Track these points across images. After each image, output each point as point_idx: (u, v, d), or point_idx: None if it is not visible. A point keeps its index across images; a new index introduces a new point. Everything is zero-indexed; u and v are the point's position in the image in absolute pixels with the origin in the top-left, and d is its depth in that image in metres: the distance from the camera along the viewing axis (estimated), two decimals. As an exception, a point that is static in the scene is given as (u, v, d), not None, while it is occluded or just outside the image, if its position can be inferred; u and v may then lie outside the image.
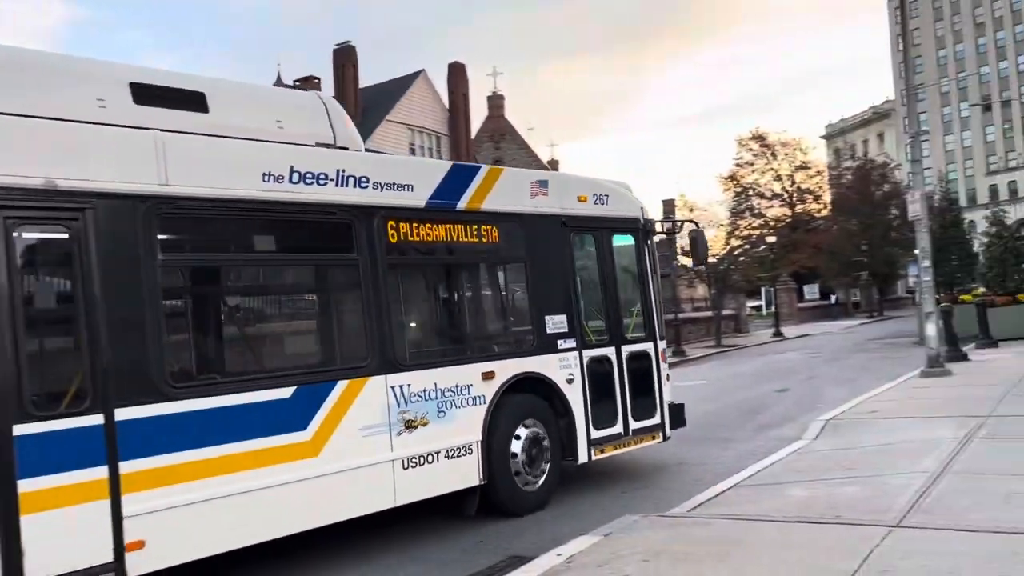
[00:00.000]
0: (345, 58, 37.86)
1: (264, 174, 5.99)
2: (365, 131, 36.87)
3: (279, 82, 37.78)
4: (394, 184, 6.80)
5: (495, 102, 60.56)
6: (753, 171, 57.80)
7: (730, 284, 35.11)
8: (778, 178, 57.24)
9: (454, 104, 40.82)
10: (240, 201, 5.89)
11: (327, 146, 6.85)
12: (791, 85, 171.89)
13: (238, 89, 6.99)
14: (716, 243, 36.28)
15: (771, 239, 42.60)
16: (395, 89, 39.09)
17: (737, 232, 43.36)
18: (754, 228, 46.25)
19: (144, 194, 5.38)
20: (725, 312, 35.69)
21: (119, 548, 4.98)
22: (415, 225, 6.94)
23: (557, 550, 5.74)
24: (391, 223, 6.73)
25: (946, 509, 5.81)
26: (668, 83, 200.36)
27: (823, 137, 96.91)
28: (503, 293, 8.32)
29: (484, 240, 7.53)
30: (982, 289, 24.57)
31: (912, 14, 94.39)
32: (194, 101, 6.18)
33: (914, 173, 15.51)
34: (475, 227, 7.41)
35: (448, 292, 8.02)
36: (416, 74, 39.70)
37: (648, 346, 8.73)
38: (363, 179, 6.59)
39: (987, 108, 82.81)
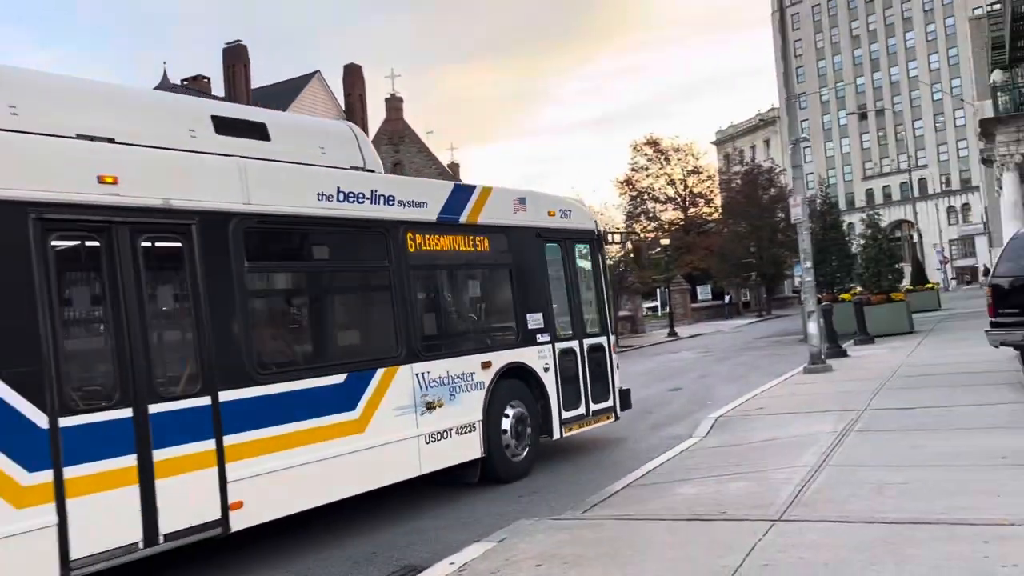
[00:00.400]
0: (235, 57, 36.76)
1: (318, 194, 7.15)
2: (258, 133, 35.94)
3: (165, 81, 36.31)
4: (413, 202, 8.05)
5: (393, 104, 59.90)
6: (648, 176, 59.39)
7: (626, 286, 35.85)
8: (671, 182, 58.95)
9: (350, 106, 40.25)
10: (301, 217, 7.06)
11: (360, 169, 8.16)
12: (684, 92, 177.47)
13: (290, 120, 8.49)
14: (611, 248, 37.00)
15: (665, 241, 43.79)
16: (289, 90, 38.23)
17: (632, 235, 44.38)
18: (649, 231, 47.44)
19: (232, 211, 6.45)
20: (621, 313, 36.41)
21: (224, 507, 6.01)
22: (428, 236, 8.20)
23: (451, 558, 5.67)
24: (410, 234, 7.95)
25: (825, 501, 6.04)
26: (565, 90, 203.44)
27: (714, 143, 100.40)
28: (494, 294, 9.55)
29: (479, 249, 8.88)
30: (859, 288, 25.88)
31: (795, 26, 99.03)
32: (259, 131, 7.36)
33: (795, 178, 16.17)
34: (472, 238, 8.77)
35: (453, 293, 9.19)
36: (311, 75, 38.94)
37: (603, 339, 10.28)
38: (391, 198, 7.82)
39: (863, 117, 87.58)
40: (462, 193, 8.75)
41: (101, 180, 5.71)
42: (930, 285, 34.96)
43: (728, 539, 5.36)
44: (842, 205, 74.19)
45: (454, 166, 65.62)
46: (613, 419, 10.31)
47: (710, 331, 38.25)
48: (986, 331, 10.87)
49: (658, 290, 50.50)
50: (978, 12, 55.83)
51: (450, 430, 7.97)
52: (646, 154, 59.02)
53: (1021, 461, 6.61)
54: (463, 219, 8.58)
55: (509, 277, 9.19)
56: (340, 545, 6.84)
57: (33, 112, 5.81)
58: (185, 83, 38.04)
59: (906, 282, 32.96)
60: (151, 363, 5.79)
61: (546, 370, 9.22)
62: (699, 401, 13.48)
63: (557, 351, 9.39)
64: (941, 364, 13.92)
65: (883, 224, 29.25)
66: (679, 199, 58.03)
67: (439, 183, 9.27)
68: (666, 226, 52.93)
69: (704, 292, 56.75)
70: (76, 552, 5.19)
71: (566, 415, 9.43)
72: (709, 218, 57.63)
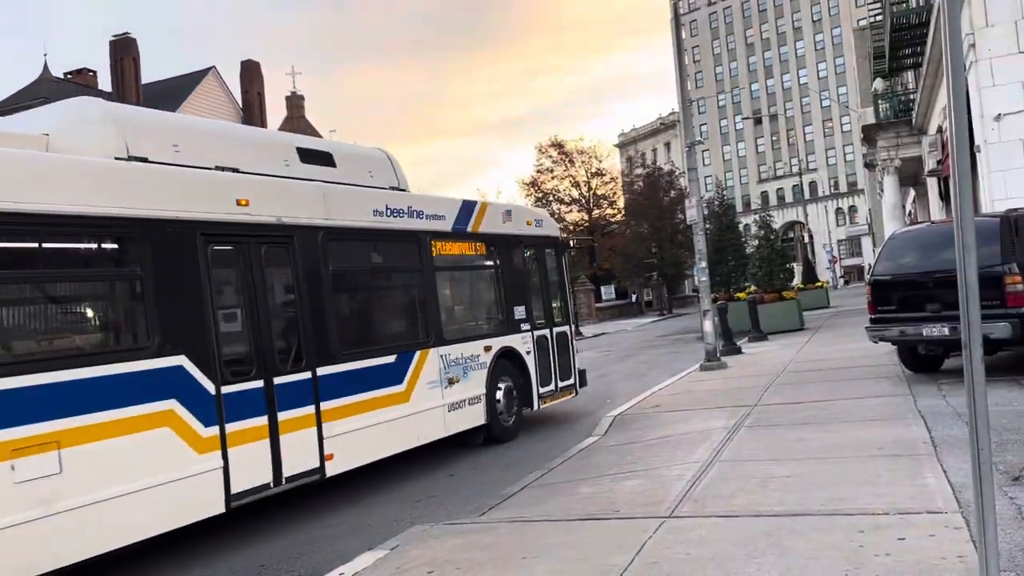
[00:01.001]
0: (124, 50, 35.16)
1: (373, 210, 9.01)
2: (149, 130, 34.44)
3: (46, 73, 34.38)
4: (435, 215, 9.96)
5: (294, 102, 58.54)
6: (553, 177, 59.94)
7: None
8: (576, 184, 59.67)
9: (248, 103, 39.07)
10: (363, 229, 8.86)
11: (396, 189, 9.99)
12: (588, 96, 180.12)
13: (346, 149, 10.05)
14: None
15: (571, 243, 44.26)
16: (182, 86, 36.82)
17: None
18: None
19: (319, 225, 8.15)
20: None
21: (322, 458, 7.68)
22: (445, 243, 10.17)
23: (341, 568, 5.54)
24: (434, 242, 9.87)
25: (713, 497, 6.17)
26: (470, 92, 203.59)
27: (617, 145, 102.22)
28: (489, 290, 11.27)
29: (479, 253, 10.93)
30: (754, 288, 26.80)
31: (693, 32, 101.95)
32: (328, 159, 9.07)
33: (691, 180, 16.58)
34: (474, 244, 10.84)
35: (462, 289, 11.18)
36: (206, 71, 37.60)
37: (566, 328, 12.30)
38: (421, 212, 9.69)
39: (757, 122, 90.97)
40: (468, 207, 10.70)
41: (239, 203, 7.39)
42: (820, 284, 36.57)
43: (620, 538, 5.40)
44: (739, 207, 76.63)
45: (358, 166, 64.63)
46: (574, 395, 12.34)
47: (613, 330, 38.91)
48: (866, 327, 11.37)
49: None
50: (862, 23, 58.76)
51: (464, 401, 9.87)
52: (551, 156, 59.66)
53: (895, 452, 6.92)
54: (468, 229, 10.56)
55: (499, 276, 11.07)
56: (225, 559, 6.59)
57: (189, 149, 7.40)
58: (69, 76, 36.17)
59: (797, 281, 34.33)
60: (274, 345, 7.49)
61: (528, 353, 11.18)
62: (600, 399, 13.64)
63: (535, 337, 11.39)
64: (828, 360, 14.53)
65: (777, 225, 30.41)
66: (583, 201, 58.85)
67: (452, 199, 10.85)
68: (571, 227, 53.55)
69: (608, 292, 57.73)
70: (234, 488, 6.77)
71: (542, 390, 11.43)
72: (612, 219, 58.64)
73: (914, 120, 27.25)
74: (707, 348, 15.59)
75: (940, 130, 21.41)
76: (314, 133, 59.60)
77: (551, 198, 58.27)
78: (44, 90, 33.49)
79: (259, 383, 7.18)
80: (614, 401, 12.91)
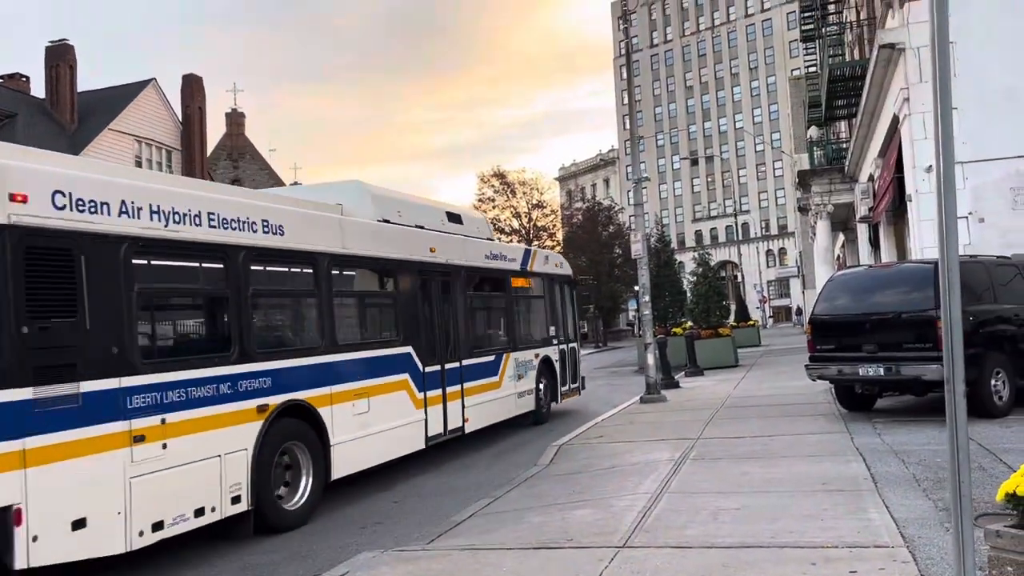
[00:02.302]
0: (59, 57, 34.12)
1: (485, 255, 12.99)
2: (84, 139, 33.40)
3: (-24, 76, 33.14)
4: (511, 258, 14.09)
5: (235, 119, 57.72)
6: (494, 207, 60.23)
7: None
8: (517, 215, 60.03)
9: (188, 118, 38.23)
10: (481, 268, 12.78)
11: (488, 239, 14.03)
12: (525, 128, 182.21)
13: (467, 211, 14.30)
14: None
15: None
16: (120, 96, 35.84)
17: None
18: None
19: (463, 265, 12.08)
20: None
21: (463, 421, 11.50)
22: (516, 278, 14.12)
23: (288, 595, 5.36)
24: (512, 278, 13.94)
25: (666, 527, 6.21)
26: (413, 118, 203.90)
27: (557, 179, 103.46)
28: (535, 313, 15.03)
29: (532, 286, 14.88)
30: (690, 323, 27.28)
31: (635, 72, 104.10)
32: (459, 220, 12.84)
33: (636, 216, 16.85)
34: (531, 279, 14.79)
35: (523, 312, 14.61)
36: (145, 82, 36.70)
37: (575, 344, 16.49)
38: (505, 256, 13.81)
39: (694, 162, 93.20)
40: (527, 252, 15.01)
41: (430, 250, 11.21)
42: (751, 322, 37.44)
43: (575, 567, 5.38)
44: (674, 244, 78.26)
45: (297, 185, 63.74)
46: (579, 395, 16.62)
47: (550, 361, 38.91)
48: (806, 365, 11.68)
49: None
50: (797, 73, 60.99)
51: (524, 392, 13.81)
52: (493, 186, 60.02)
53: (838, 487, 7.09)
54: (528, 268, 14.57)
55: (541, 303, 15.12)
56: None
57: (405, 214, 11.16)
58: (0, 80, 34.92)
59: (731, 319, 35.09)
60: (447, 343, 11.40)
61: (557, 361, 15.25)
62: (541, 429, 13.63)
63: (561, 349, 15.45)
64: (764, 396, 14.85)
65: (712, 263, 31.02)
66: (524, 231, 59.24)
67: (519, 246, 16.37)
68: (510, 257, 53.80)
69: (545, 323, 57.86)
70: (429, 433, 10.60)
71: (563, 388, 15.50)
72: (552, 251, 59.16)
73: (847, 168, 28.31)
74: (648, 381, 15.76)
75: (872, 178, 22.29)
76: (253, 151, 58.69)
77: (492, 227, 58.49)
78: (-28, 92, 32.33)
79: (437, 368, 11.00)
80: (556, 431, 12.92)
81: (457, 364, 11.46)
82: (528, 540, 6.26)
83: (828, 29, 27.62)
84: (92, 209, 6.23)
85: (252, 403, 7.49)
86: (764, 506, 6.65)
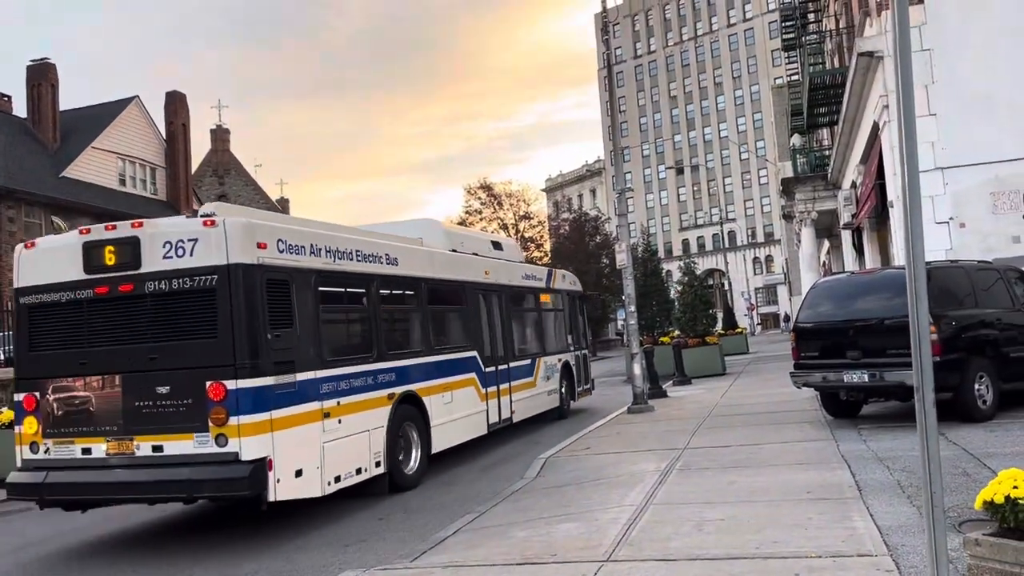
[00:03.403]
0: (41, 76, 34.01)
1: (521, 275, 15.47)
2: (67, 158, 33.22)
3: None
4: (538, 277, 16.42)
5: (220, 136, 57.63)
6: (481, 219, 60.24)
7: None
8: (504, 227, 60.08)
9: (172, 135, 38.12)
10: (518, 286, 15.13)
11: (521, 263, 16.59)
12: (512, 140, 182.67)
13: (505, 239, 17.74)
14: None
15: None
16: (103, 114, 35.71)
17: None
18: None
19: (506, 284, 14.47)
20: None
21: (511, 414, 13.87)
22: (542, 295, 16.41)
23: (269, 617, 5.29)
24: (540, 294, 16.28)
25: (650, 540, 6.17)
26: (398, 133, 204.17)
27: (544, 190, 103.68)
28: (557, 324, 17.22)
29: (553, 301, 17.06)
30: (677, 332, 27.30)
31: (620, 83, 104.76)
32: (500, 247, 15.42)
33: (620, 226, 16.87)
34: (553, 295, 17.01)
35: (548, 323, 16.80)
36: (128, 100, 36.60)
37: (586, 351, 18.96)
38: (534, 275, 16.20)
39: (680, 171, 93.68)
40: (549, 272, 17.29)
41: (485, 273, 13.69)
42: (739, 330, 37.52)
43: (558, 582, 5.33)
44: (661, 254, 78.47)
45: (283, 201, 63.63)
46: (590, 394, 18.99)
47: (539, 372, 38.83)
48: (791, 373, 11.68)
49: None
50: (779, 82, 61.33)
51: (551, 391, 16.10)
52: (480, 198, 60.06)
53: (823, 496, 7.07)
54: (551, 286, 16.98)
55: (561, 316, 17.37)
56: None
57: (464, 244, 13.75)
58: (-19, 99, 34.76)
59: (718, 327, 35.14)
60: (497, 348, 13.65)
61: (574, 365, 17.49)
62: (529, 441, 13.59)
63: (576, 355, 17.81)
64: (751, 404, 14.85)
65: (698, 272, 31.07)
66: (511, 243, 59.24)
67: (543, 268, 18.27)
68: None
69: (533, 334, 57.79)
70: (489, 422, 12.93)
71: (578, 389, 17.81)
72: (539, 263, 59.17)
73: (830, 175, 28.49)
74: (635, 391, 15.73)
75: (854, 185, 22.42)
76: (238, 167, 58.56)
77: (479, 240, 58.46)
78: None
79: (493, 368, 13.32)
80: (544, 443, 12.87)
81: (505, 366, 13.81)
82: (512, 556, 6.20)
83: (808, 38, 27.84)
84: (297, 251, 8.56)
85: (385, 392, 9.92)
86: (749, 516, 6.62)
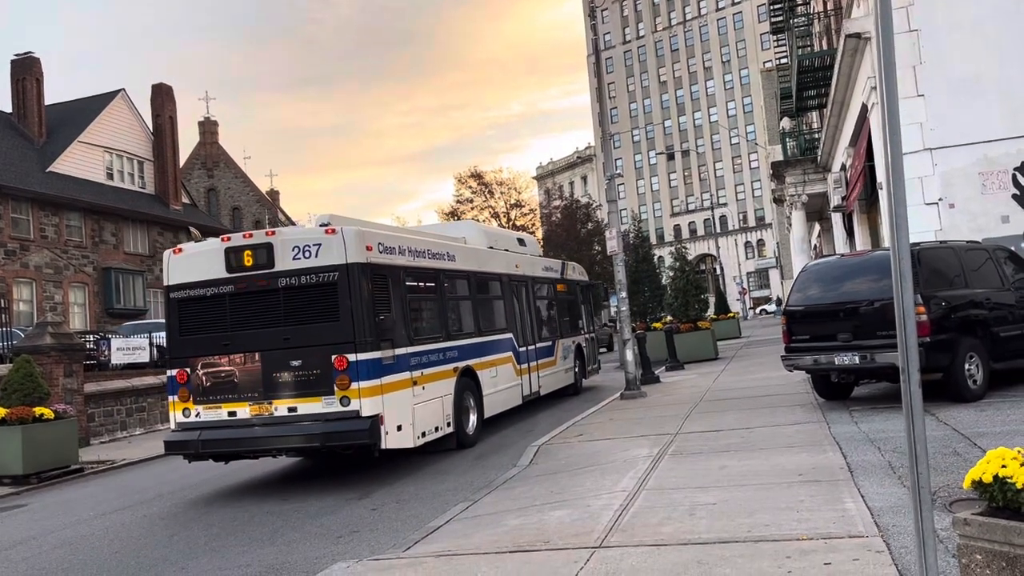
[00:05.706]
0: (26, 70, 33.71)
1: (542, 267, 17.76)
2: (53, 152, 32.97)
3: (-59, 91, 32.63)
4: (554, 269, 18.52)
5: (208, 128, 57.26)
6: (472, 208, 60.10)
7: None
8: (495, 215, 59.96)
9: (159, 128, 37.86)
10: (540, 277, 17.26)
11: (540, 256, 19.12)
12: (501, 129, 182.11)
13: (527, 236, 19.63)
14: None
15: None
16: (89, 108, 35.44)
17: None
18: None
19: (532, 276, 16.73)
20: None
21: (538, 388, 15.99)
22: (558, 284, 18.39)
23: (261, 610, 5.27)
24: (556, 284, 18.25)
25: (642, 526, 6.16)
26: (386, 124, 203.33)
27: (535, 178, 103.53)
28: (571, 311, 19.13)
29: (567, 290, 18.96)
30: (669, 317, 27.31)
31: (609, 69, 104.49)
32: (524, 243, 18.02)
33: (611, 212, 16.84)
34: (567, 285, 18.94)
35: (563, 309, 18.58)
36: (114, 93, 36.32)
37: (593, 334, 20.72)
38: (551, 268, 18.44)
39: (670, 157, 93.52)
40: (563, 265, 19.34)
41: (516, 266, 15.80)
42: (731, 314, 37.58)
43: (551, 570, 5.33)
44: (653, 239, 78.48)
45: (273, 193, 63.37)
46: (598, 374, 20.94)
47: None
48: (782, 356, 11.69)
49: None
50: (768, 65, 61.25)
51: (568, 369, 18.01)
52: (471, 187, 59.88)
53: (815, 478, 7.08)
54: (564, 277, 18.97)
55: (574, 302, 19.32)
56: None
57: (497, 241, 16.21)
58: (-35, 94, 34.45)
59: (711, 312, 35.19)
60: (526, 330, 15.62)
61: (584, 345, 19.40)
62: (523, 430, 13.59)
63: (586, 338, 19.69)
64: (743, 388, 14.87)
65: (689, 257, 31.10)
66: (502, 231, 59.13)
67: (557, 261, 19.55)
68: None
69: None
70: (524, 392, 15.01)
71: (588, 368, 19.65)
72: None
73: (819, 158, 28.47)
74: (627, 377, 15.75)
75: (844, 168, 22.42)
76: (227, 159, 58.20)
77: (471, 228, 58.31)
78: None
79: (524, 348, 15.14)
80: (537, 431, 12.87)
81: (533, 347, 15.73)
82: (505, 544, 6.20)
83: (796, 20, 27.75)
84: (390, 251, 10.64)
85: (451, 366, 11.98)
86: (741, 500, 6.63)
